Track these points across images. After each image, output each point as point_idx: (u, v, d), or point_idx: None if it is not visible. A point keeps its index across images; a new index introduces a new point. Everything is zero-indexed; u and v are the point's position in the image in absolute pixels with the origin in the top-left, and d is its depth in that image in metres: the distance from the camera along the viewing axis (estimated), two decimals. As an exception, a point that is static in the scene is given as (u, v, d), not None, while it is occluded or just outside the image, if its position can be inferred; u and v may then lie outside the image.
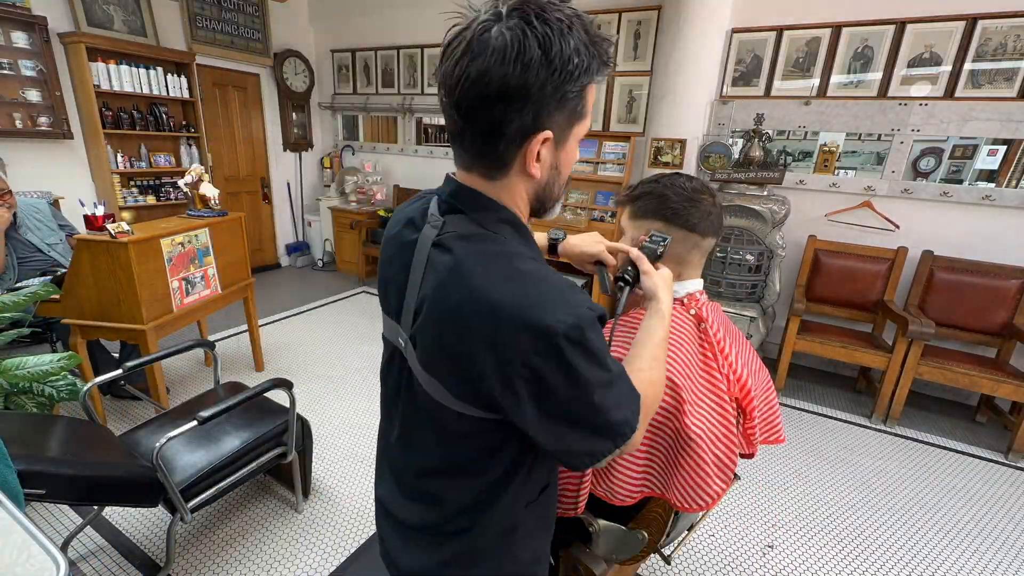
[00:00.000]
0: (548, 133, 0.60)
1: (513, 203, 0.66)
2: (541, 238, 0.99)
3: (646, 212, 1.04)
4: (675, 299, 1.06)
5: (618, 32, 3.71)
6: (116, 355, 2.69)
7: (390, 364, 0.76)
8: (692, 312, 1.06)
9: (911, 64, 2.87)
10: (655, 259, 0.91)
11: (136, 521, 1.88)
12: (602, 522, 1.07)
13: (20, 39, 3.19)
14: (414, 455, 0.74)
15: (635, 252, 0.89)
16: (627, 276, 0.88)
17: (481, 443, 0.67)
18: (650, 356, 0.76)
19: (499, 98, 0.56)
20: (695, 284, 1.09)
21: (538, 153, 0.61)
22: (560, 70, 0.56)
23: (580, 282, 3.65)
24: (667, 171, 1.14)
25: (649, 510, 1.08)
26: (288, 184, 5.40)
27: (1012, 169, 2.72)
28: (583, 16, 0.57)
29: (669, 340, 0.93)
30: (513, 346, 0.56)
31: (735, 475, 1.04)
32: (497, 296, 0.57)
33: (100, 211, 2.16)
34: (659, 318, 0.81)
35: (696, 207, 1.00)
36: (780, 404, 3.11)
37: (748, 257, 3.01)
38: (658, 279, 0.85)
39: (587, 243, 1.01)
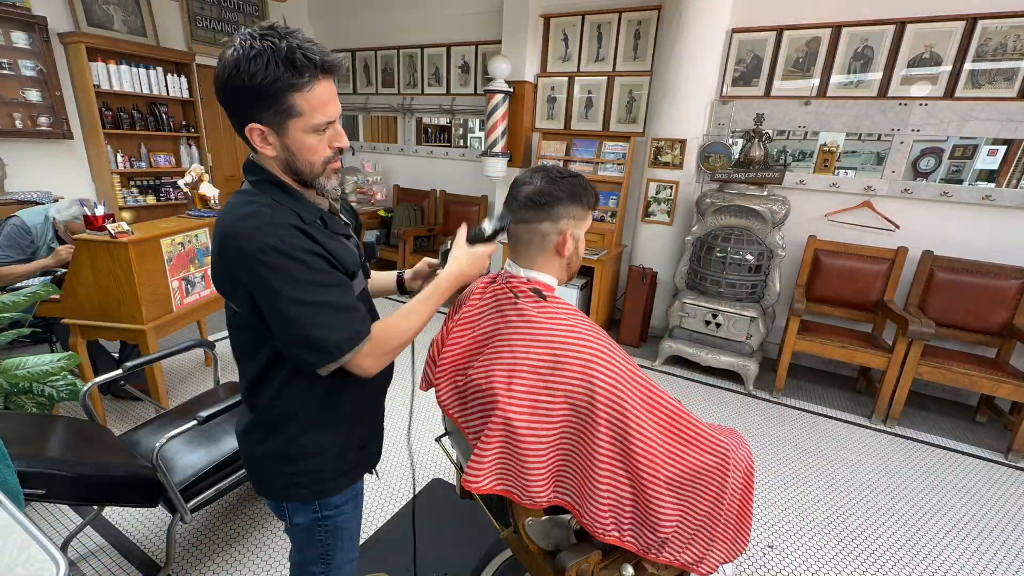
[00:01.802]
0: (257, 125, 0.79)
1: (274, 169, 0.85)
2: (388, 281, 1.23)
3: (567, 211, 1.12)
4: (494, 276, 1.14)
5: (618, 32, 3.72)
6: (116, 355, 2.69)
7: None
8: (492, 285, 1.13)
9: (911, 64, 2.87)
10: (480, 240, 1.04)
11: (136, 521, 1.88)
12: (528, 519, 1.08)
13: (20, 39, 3.19)
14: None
15: (460, 229, 1.05)
16: (444, 250, 1.05)
17: (248, 334, 0.90)
18: (407, 308, 0.94)
19: (219, 95, 0.79)
20: (522, 271, 1.11)
21: (261, 139, 0.81)
22: (249, 81, 0.74)
23: (579, 282, 3.65)
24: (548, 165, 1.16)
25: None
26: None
27: (1012, 169, 2.72)
28: (284, 36, 0.75)
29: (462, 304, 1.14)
30: (235, 263, 0.79)
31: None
32: (226, 227, 0.81)
33: (100, 211, 2.16)
34: (435, 282, 0.98)
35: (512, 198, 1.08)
36: (780, 404, 3.10)
37: (748, 257, 3.01)
38: (456, 252, 1.01)
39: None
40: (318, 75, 0.77)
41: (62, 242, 2.51)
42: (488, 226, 1.04)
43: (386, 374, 1.07)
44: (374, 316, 1.04)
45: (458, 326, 1.12)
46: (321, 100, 0.79)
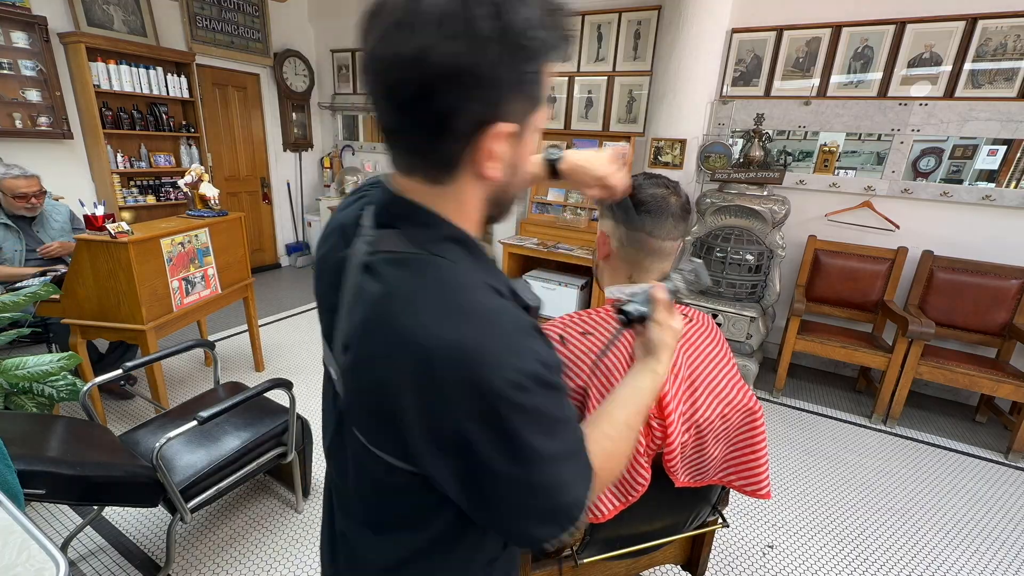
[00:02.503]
0: (507, 125, 0.47)
1: (463, 214, 0.54)
2: (536, 161, 0.83)
3: (604, 211, 1.02)
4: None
5: (618, 32, 3.72)
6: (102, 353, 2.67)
7: (326, 393, 0.66)
8: None
9: (911, 64, 2.87)
10: (676, 301, 0.77)
11: (136, 521, 1.88)
12: None
13: (20, 39, 3.18)
14: (349, 501, 0.64)
15: (658, 288, 0.73)
16: (631, 311, 0.73)
17: (416, 496, 0.55)
18: (624, 422, 0.63)
19: (444, 82, 0.43)
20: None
21: (495, 150, 0.48)
22: (516, 44, 0.43)
23: (579, 282, 3.65)
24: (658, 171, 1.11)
25: None
26: (288, 184, 5.40)
27: (1012, 169, 2.72)
28: None
29: (597, 338, 0.91)
30: (444, 402, 0.45)
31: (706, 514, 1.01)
32: (430, 338, 0.45)
33: (100, 211, 2.16)
34: (652, 378, 0.69)
35: (643, 207, 0.94)
36: (780, 404, 3.11)
37: (748, 257, 3.01)
38: (669, 334, 0.71)
39: (595, 162, 0.83)
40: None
41: (12, 217, 2.46)
42: (688, 284, 0.78)
43: None
44: None
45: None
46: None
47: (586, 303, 3.69)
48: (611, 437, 0.61)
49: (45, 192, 2.56)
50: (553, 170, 0.85)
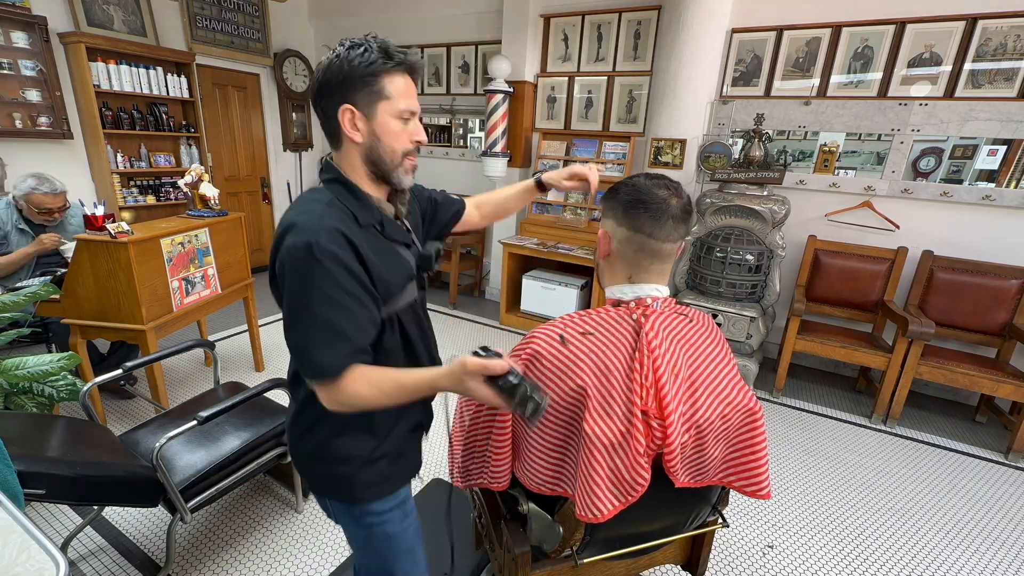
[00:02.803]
0: (349, 105, 0.83)
1: (352, 168, 0.89)
2: (527, 184, 1.26)
3: (605, 211, 1.06)
4: (620, 301, 1.04)
5: (618, 32, 3.72)
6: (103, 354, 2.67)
7: None
8: (634, 317, 1.00)
9: (911, 64, 2.87)
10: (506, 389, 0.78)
11: (136, 521, 1.88)
12: (532, 505, 1.09)
13: (20, 39, 3.18)
14: None
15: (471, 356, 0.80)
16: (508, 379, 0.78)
17: None
18: (398, 383, 0.84)
19: (319, 90, 0.85)
20: (648, 289, 1.03)
21: (346, 122, 0.85)
22: (348, 62, 0.81)
23: (579, 282, 3.65)
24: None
25: (571, 506, 1.05)
26: (288, 184, 5.40)
27: (1012, 169, 2.72)
28: (379, 38, 0.84)
29: (597, 338, 0.99)
30: (276, 251, 0.84)
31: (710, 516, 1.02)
32: (286, 218, 0.84)
33: (100, 211, 2.16)
34: (430, 383, 0.84)
35: (643, 208, 0.96)
36: (780, 404, 3.11)
37: (748, 257, 3.01)
38: (458, 367, 0.80)
39: (569, 168, 1.22)
40: (403, 67, 0.85)
41: (28, 222, 2.47)
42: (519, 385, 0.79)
43: None
44: (421, 331, 1.01)
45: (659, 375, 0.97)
46: (407, 89, 0.86)
47: (586, 303, 3.70)
48: (382, 380, 0.85)
49: (68, 206, 2.56)
50: (540, 185, 1.24)
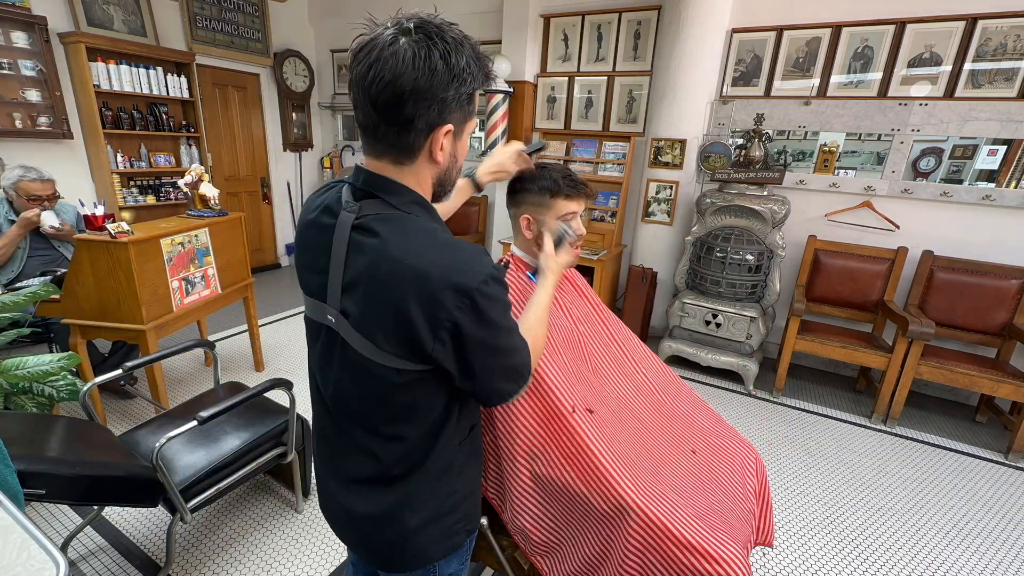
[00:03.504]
0: (450, 126, 0.72)
1: (420, 187, 0.77)
2: (463, 184, 1.17)
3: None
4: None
5: (618, 32, 3.72)
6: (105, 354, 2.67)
7: (316, 341, 0.83)
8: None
9: (911, 64, 2.87)
10: (557, 244, 1.09)
11: (136, 521, 1.88)
12: None
13: (20, 39, 3.18)
14: (353, 421, 0.82)
15: (547, 232, 1.11)
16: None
17: (417, 392, 0.76)
18: (535, 316, 0.94)
19: (411, 96, 0.66)
20: None
21: (442, 142, 0.72)
22: (458, 76, 0.68)
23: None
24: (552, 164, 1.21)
25: None
26: (288, 184, 5.40)
27: (1012, 169, 2.72)
28: (470, 38, 0.72)
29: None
30: (440, 303, 0.67)
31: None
32: (423, 265, 0.67)
33: (100, 211, 2.16)
34: (544, 289, 1.00)
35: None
36: (780, 404, 3.10)
37: (748, 257, 3.01)
38: (549, 259, 1.06)
39: (496, 157, 1.16)
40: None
41: (19, 214, 2.44)
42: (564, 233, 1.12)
43: None
44: None
45: None
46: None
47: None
48: (532, 326, 0.91)
49: (58, 196, 2.56)
50: (476, 184, 1.17)
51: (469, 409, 0.87)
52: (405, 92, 0.65)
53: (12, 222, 2.44)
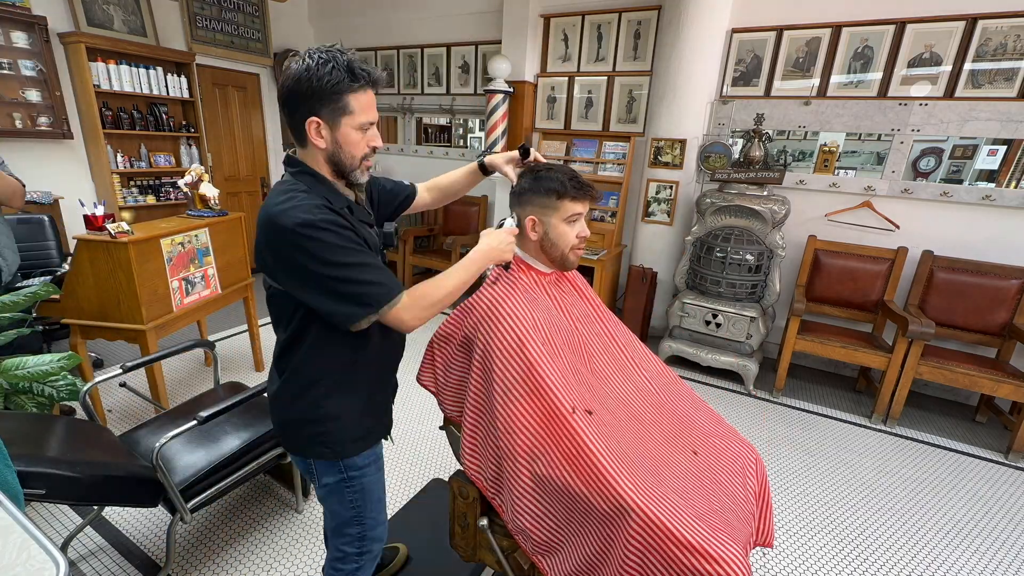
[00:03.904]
0: (317, 119, 0.93)
1: (316, 165, 0.99)
2: (471, 168, 1.38)
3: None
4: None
5: (618, 32, 3.72)
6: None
7: None
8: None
9: (911, 64, 2.87)
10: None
11: (136, 521, 1.88)
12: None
13: (20, 39, 3.19)
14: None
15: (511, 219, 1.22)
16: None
17: (280, 303, 1.04)
18: (438, 277, 1.05)
19: (287, 96, 0.94)
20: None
21: (312, 131, 0.94)
22: (319, 81, 0.90)
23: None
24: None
25: None
26: (288, 184, 5.40)
27: (1012, 169, 2.72)
28: (345, 53, 0.93)
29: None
30: (275, 240, 0.91)
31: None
32: (270, 210, 0.92)
33: (100, 211, 2.16)
34: (462, 260, 1.09)
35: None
36: (780, 404, 3.10)
37: (748, 257, 3.01)
38: (484, 236, 1.14)
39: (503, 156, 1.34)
40: (367, 84, 0.95)
41: None
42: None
43: (398, 349, 1.21)
44: None
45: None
46: (368, 104, 0.97)
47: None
48: (431, 278, 1.04)
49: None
50: (484, 169, 1.35)
51: (336, 336, 1.01)
52: (285, 94, 0.94)
53: None
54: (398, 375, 1.27)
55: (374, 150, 1.02)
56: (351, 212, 1.02)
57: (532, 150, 1.26)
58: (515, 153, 1.27)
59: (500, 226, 1.17)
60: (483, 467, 1.16)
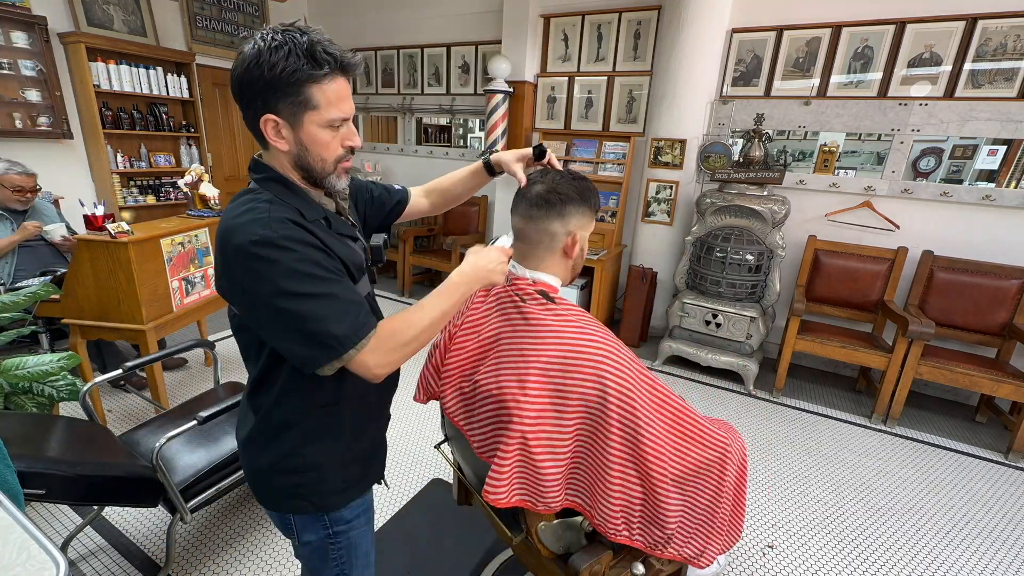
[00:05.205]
0: (273, 116, 0.77)
1: (283, 169, 0.83)
2: (476, 168, 1.21)
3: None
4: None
5: (618, 32, 3.72)
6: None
7: None
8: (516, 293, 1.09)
9: (911, 64, 2.87)
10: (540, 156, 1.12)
11: (136, 521, 1.88)
12: (541, 524, 1.08)
13: (20, 39, 3.19)
14: None
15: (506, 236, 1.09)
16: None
17: (249, 335, 0.87)
18: (416, 304, 0.87)
19: (238, 89, 0.77)
20: (518, 268, 1.11)
21: (270, 131, 0.78)
22: (273, 78, 0.73)
23: (579, 282, 3.65)
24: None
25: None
26: (288, 184, 5.39)
27: (1012, 169, 2.72)
28: (308, 32, 0.77)
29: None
30: (231, 259, 0.75)
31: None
32: (226, 224, 0.77)
33: (100, 211, 2.16)
34: (447, 279, 0.92)
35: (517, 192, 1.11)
36: (780, 404, 3.10)
37: (748, 257, 3.01)
38: (470, 254, 0.97)
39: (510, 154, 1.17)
40: (336, 71, 0.77)
41: (4, 207, 2.48)
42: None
43: (391, 380, 1.02)
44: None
45: (462, 331, 1.12)
46: (337, 95, 0.78)
47: (587, 303, 3.69)
48: (404, 311, 0.84)
49: (39, 189, 2.60)
50: (490, 169, 1.19)
51: (318, 382, 0.84)
52: (235, 86, 0.77)
53: (2, 216, 2.45)
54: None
55: (352, 150, 0.85)
56: (329, 225, 0.85)
57: (549, 151, 1.12)
58: (527, 151, 1.13)
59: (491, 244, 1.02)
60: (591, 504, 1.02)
